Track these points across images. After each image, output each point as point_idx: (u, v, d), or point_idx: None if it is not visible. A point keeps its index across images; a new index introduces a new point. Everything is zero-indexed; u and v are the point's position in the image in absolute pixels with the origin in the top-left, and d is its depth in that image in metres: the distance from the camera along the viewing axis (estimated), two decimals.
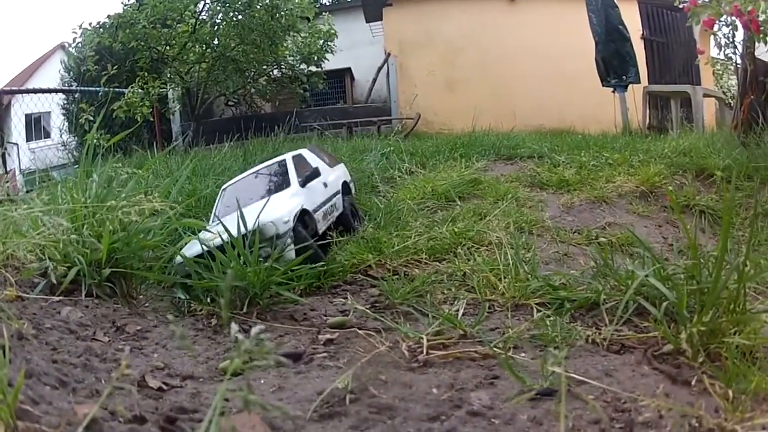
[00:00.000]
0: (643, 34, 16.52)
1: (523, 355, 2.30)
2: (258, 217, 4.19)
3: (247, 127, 13.57)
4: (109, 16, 15.14)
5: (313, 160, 6.08)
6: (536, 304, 3.10)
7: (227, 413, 1.79)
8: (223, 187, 6.02)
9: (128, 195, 4.03)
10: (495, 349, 2.35)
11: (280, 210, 4.55)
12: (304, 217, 4.79)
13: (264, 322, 3.34)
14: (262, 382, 2.19)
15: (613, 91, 13.34)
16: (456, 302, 3.34)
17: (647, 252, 2.86)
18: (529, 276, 3.48)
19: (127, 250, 3.68)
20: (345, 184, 6.20)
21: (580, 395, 1.81)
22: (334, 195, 5.70)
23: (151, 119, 13.88)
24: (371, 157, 9.38)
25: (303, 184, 5.27)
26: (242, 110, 19.46)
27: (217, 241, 4.03)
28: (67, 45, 21.31)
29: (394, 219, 5.83)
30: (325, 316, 3.50)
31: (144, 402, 1.96)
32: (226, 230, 3.85)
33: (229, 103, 19.03)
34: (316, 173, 5.45)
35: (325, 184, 5.59)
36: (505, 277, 3.56)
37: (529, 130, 13.02)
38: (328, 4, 26.51)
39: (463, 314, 3.08)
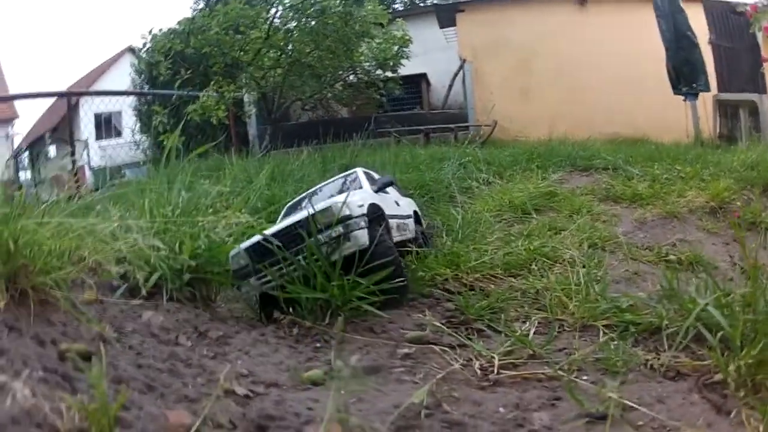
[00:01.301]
0: (710, 38, 16.07)
1: (585, 378, 2.44)
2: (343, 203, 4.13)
3: (325, 132, 13.71)
4: (179, 23, 15.58)
5: None
6: (603, 325, 3.20)
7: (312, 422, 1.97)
8: (287, 204, 5.88)
9: (212, 204, 4.26)
10: (560, 372, 2.50)
11: (353, 196, 4.31)
12: (380, 220, 4.48)
13: (344, 333, 3.44)
14: (342, 393, 2.21)
15: (685, 99, 13.17)
16: (528, 321, 3.47)
17: (712, 277, 2.93)
18: (599, 297, 3.57)
19: (208, 255, 3.82)
20: (416, 213, 6.11)
21: (631, 421, 1.97)
22: (407, 216, 5.57)
23: (227, 122, 14.11)
24: (449, 166, 9.43)
25: (376, 191, 5.10)
26: (319, 114, 19.64)
27: (273, 229, 4.19)
28: (136, 49, 21.76)
29: (471, 232, 5.93)
30: (403, 330, 3.56)
31: (232, 409, 2.05)
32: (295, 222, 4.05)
33: (306, 107, 19.07)
34: (389, 183, 5.37)
35: (397, 203, 5.51)
36: (576, 296, 3.67)
37: (604, 139, 12.93)
38: (401, 9, 26.54)
39: (533, 333, 3.21)
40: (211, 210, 4.28)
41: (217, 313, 3.83)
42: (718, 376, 2.32)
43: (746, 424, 1.99)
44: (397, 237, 4.87)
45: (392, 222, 4.83)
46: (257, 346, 3.17)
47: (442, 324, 3.53)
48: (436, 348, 3.07)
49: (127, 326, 2.89)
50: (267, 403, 2.20)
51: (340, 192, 5.24)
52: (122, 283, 3.33)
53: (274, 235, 4.07)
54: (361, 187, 5.20)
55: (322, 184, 6.11)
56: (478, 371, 2.64)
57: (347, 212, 4.05)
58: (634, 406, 2.07)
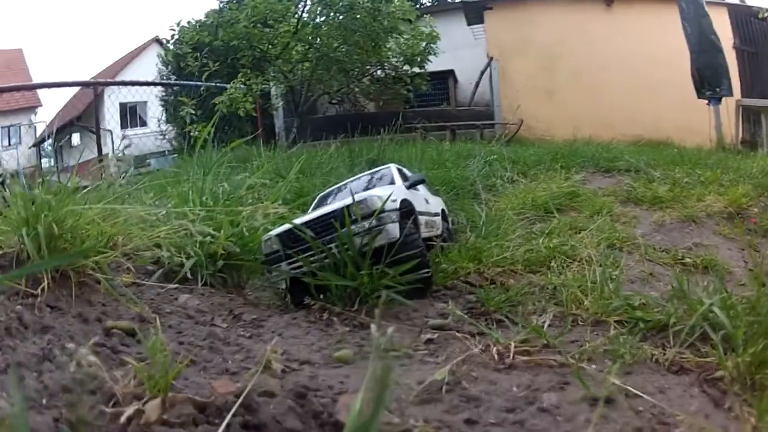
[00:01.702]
0: (734, 43, 16.08)
1: (593, 366, 2.57)
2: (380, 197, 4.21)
3: (352, 126, 13.80)
4: (207, 15, 15.96)
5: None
6: (615, 321, 3.31)
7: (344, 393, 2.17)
8: (319, 195, 6.02)
9: (245, 194, 4.47)
10: (570, 359, 2.64)
11: (386, 191, 4.35)
12: (410, 214, 4.55)
13: (371, 319, 3.58)
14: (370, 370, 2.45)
15: (708, 103, 13.21)
16: (544, 314, 3.58)
17: (720, 279, 3.08)
18: (613, 294, 3.68)
19: (240, 243, 4.03)
20: (443, 212, 6.21)
21: (633, 406, 2.11)
22: (435, 214, 5.66)
23: (254, 114, 14.18)
24: (474, 163, 9.58)
25: (408, 188, 5.15)
26: (346, 108, 19.79)
27: (307, 217, 4.33)
28: (164, 41, 21.91)
29: (494, 229, 6.06)
30: (427, 317, 3.70)
31: (271, 381, 2.19)
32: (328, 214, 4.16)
33: (333, 101, 19.30)
34: (421, 180, 5.48)
35: (427, 201, 5.59)
36: (591, 293, 3.79)
37: (627, 140, 13.01)
38: (428, 5, 26.54)
39: (548, 326, 3.30)
40: (249, 201, 4.52)
41: (248, 298, 4.01)
42: (719, 373, 2.42)
43: (741, 418, 2.09)
44: (425, 233, 4.97)
45: (421, 218, 4.92)
46: (289, 329, 3.33)
47: (464, 314, 3.64)
48: (457, 335, 3.19)
49: (165, 308, 3.10)
50: (302, 377, 2.37)
51: (372, 186, 5.41)
52: (157, 268, 3.54)
53: (308, 223, 4.19)
54: (393, 183, 5.32)
55: (355, 177, 6.21)
56: (495, 356, 2.76)
57: (378, 205, 4.11)
58: (638, 393, 2.21)
